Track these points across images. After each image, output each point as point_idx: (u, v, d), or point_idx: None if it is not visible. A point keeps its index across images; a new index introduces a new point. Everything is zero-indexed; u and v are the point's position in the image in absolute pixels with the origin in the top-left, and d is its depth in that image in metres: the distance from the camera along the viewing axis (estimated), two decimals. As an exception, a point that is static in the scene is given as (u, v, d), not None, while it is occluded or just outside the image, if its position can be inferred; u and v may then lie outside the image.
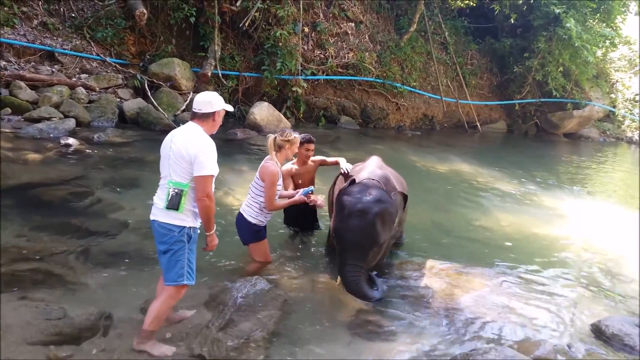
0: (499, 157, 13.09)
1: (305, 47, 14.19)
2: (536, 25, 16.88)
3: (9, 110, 8.78)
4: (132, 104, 10.32)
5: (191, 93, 11.49)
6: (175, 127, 3.69)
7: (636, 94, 21.69)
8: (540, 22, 16.71)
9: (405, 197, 4.50)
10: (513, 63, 17.88)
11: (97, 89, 10.43)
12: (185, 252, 3.25)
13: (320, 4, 15.03)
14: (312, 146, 4.94)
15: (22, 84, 9.22)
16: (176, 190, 3.17)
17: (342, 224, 4.16)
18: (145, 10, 11.15)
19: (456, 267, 5.18)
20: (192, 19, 11.86)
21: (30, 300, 3.66)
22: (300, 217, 5.29)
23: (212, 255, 3.58)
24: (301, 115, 13.54)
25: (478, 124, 17.63)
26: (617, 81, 21.84)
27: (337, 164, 5.15)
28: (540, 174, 11.14)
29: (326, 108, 14.46)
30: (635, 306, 4.86)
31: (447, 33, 17.44)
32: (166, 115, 10.34)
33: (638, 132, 21.21)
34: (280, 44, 12.78)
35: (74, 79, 10.26)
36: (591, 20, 17.34)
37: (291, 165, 4.92)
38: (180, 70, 11.50)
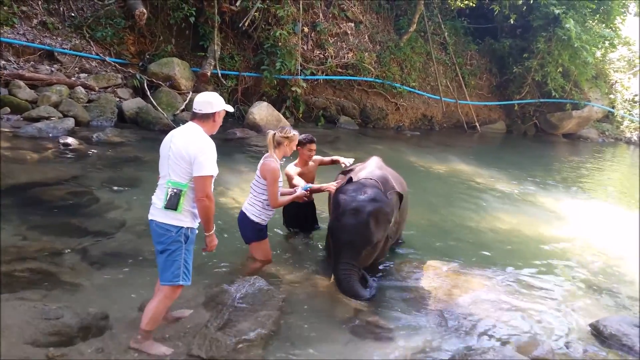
0: (498, 158, 13.10)
1: (305, 47, 14.19)
2: (535, 26, 16.90)
3: (8, 109, 8.78)
4: (132, 104, 10.32)
5: (190, 93, 11.49)
6: (175, 127, 3.70)
7: (635, 95, 21.71)
8: (539, 22, 16.72)
9: (400, 197, 4.49)
10: (512, 63, 17.90)
11: (97, 88, 10.43)
12: (182, 253, 3.25)
13: (320, 4, 15.03)
14: (314, 146, 4.99)
15: (22, 83, 9.22)
16: (175, 190, 3.17)
17: (336, 222, 4.18)
18: (144, 10, 11.15)
19: (455, 267, 5.19)
20: (192, 19, 11.86)
21: (28, 300, 3.65)
22: (300, 217, 5.30)
23: (211, 254, 3.59)
24: (300, 115, 13.55)
25: (477, 125, 17.64)
26: (616, 82, 21.86)
27: (335, 162, 5.20)
28: (539, 175, 11.15)
29: (325, 108, 14.46)
30: (634, 306, 4.87)
31: (446, 33, 17.45)
32: (165, 115, 10.34)
33: (637, 132, 21.23)
34: (280, 43, 12.78)
35: (73, 79, 10.26)
36: (590, 21, 17.36)
37: (295, 167, 4.93)
38: (179, 70, 11.50)
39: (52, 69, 10.24)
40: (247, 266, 4.64)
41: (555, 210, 8.18)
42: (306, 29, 14.27)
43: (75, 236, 4.92)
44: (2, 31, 9.85)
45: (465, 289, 4.74)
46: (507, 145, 16.85)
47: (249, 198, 4.49)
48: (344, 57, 14.88)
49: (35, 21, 10.63)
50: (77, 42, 10.92)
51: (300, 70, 13.43)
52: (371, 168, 4.76)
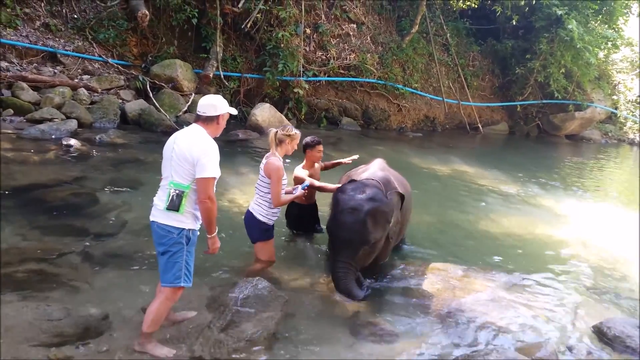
0: (500, 159, 13.08)
1: (307, 49, 14.20)
2: (538, 27, 16.88)
3: (11, 111, 8.80)
4: (134, 105, 10.34)
5: (193, 94, 11.51)
6: (177, 129, 3.71)
7: (638, 96, 21.67)
8: (542, 23, 16.70)
9: (402, 197, 4.49)
10: (515, 64, 17.88)
11: (99, 90, 10.46)
12: (184, 255, 3.25)
13: (322, 6, 15.04)
14: (322, 147, 5.02)
15: (25, 85, 9.24)
16: (177, 192, 3.17)
17: (334, 221, 4.19)
18: (147, 12, 11.17)
19: (458, 269, 5.17)
20: (194, 21, 11.89)
21: (31, 301, 3.66)
22: (303, 219, 5.30)
23: (214, 256, 3.59)
24: (302, 116, 13.55)
25: (480, 126, 17.62)
26: (619, 83, 21.82)
27: (337, 164, 5.23)
28: (542, 176, 11.13)
29: (328, 109, 14.46)
30: (637, 308, 4.85)
31: (448, 34, 17.45)
32: (168, 117, 10.35)
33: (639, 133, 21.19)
34: (282, 45, 12.79)
35: (76, 80, 10.28)
36: (593, 22, 17.33)
37: (303, 170, 4.93)
38: (182, 71, 11.52)
39: (55, 70, 10.27)
40: (250, 267, 4.64)
41: (558, 212, 8.16)
42: (308, 31, 14.28)
43: (78, 237, 4.93)
44: (5, 33, 9.88)
45: (468, 290, 4.73)
46: (509, 147, 16.82)
47: (255, 198, 4.50)
48: (346, 59, 14.88)
49: (38, 23, 10.66)
50: (79, 43, 10.95)
51: (303, 71, 13.43)
52: (374, 169, 4.76)
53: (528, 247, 6.33)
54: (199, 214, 3.29)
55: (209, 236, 3.34)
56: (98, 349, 3.27)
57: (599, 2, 16.77)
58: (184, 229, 3.23)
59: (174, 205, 3.16)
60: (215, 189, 3.26)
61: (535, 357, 3.66)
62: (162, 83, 11.25)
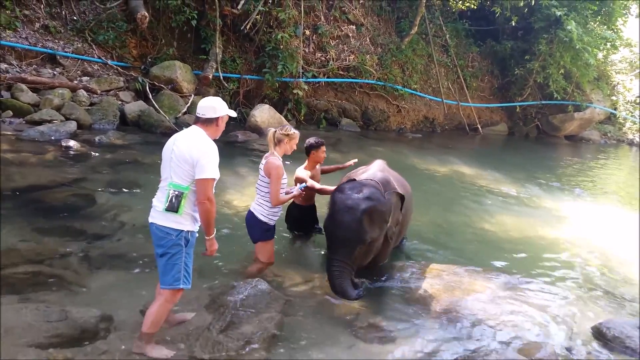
0: (500, 160, 13.10)
1: (306, 50, 14.21)
2: (537, 28, 16.90)
3: (10, 112, 8.80)
4: (134, 107, 10.34)
5: (192, 96, 11.52)
6: (177, 130, 3.71)
7: (637, 96, 21.69)
8: (541, 24, 16.72)
9: (402, 198, 4.49)
10: (514, 65, 17.90)
11: (99, 91, 10.46)
12: (183, 256, 3.25)
13: (322, 7, 15.06)
14: (325, 148, 5.04)
15: (24, 86, 9.24)
16: (176, 193, 3.18)
17: (330, 220, 4.20)
18: (146, 13, 11.17)
19: (457, 269, 5.18)
20: (194, 22, 11.89)
21: (31, 302, 3.66)
22: (303, 220, 5.29)
23: (213, 257, 3.59)
24: (302, 117, 13.56)
25: (479, 127, 17.63)
26: (618, 83, 21.84)
27: (337, 169, 5.24)
28: (542, 177, 11.14)
29: (327, 110, 14.48)
30: (637, 308, 4.85)
31: (448, 35, 17.47)
32: (167, 118, 10.36)
33: (639, 134, 21.20)
34: (282, 46, 12.80)
35: (76, 82, 10.28)
36: (592, 23, 17.36)
37: (305, 170, 4.94)
38: (181, 72, 11.52)
39: (55, 72, 10.27)
40: (249, 268, 4.64)
41: (557, 212, 8.17)
42: (308, 32, 14.29)
43: (77, 239, 4.93)
44: (4, 35, 9.89)
45: (467, 291, 4.72)
46: (509, 147, 16.84)
47: (256, 198, 4.51)
48: (346, 60, 14.89)
49: (37, 25, 10.66)
50: (79, 45, 10.95)
51: (302, 72, 13.44)
52: (373, 170, 4.77)
53: (527, 247, 6.33)
54: (197, 215, 3.29)
55: (207, 238, 3.34)
56: (97, 351, 3.26)
57: (598, 2, 16.80)
58: (182, 230, 3.23)
59: (173, 206, 3.17)
60: (214, 190, 3.26)
61: (535, 357, 3.66)
62: (162, 84, 11.26)
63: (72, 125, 8.80)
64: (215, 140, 3.33)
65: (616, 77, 21.91)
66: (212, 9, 12.00)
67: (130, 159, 7.93)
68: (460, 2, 17.90)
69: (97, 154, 7.88)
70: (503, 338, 4.03)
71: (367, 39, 15.83)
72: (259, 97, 13.09)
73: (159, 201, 3.26)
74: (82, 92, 9.98)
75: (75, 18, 11.29)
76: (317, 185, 4.68)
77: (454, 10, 18.33)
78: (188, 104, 11.20)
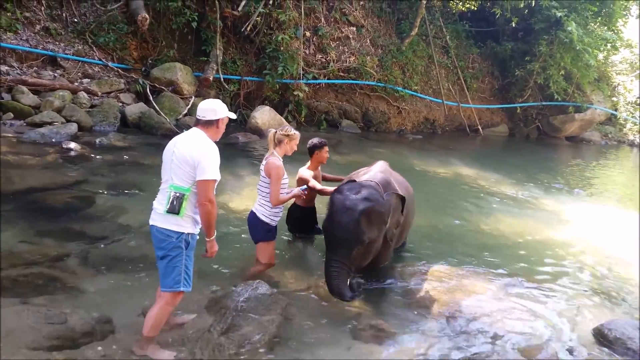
0: (500, 161, 13.09)
1: (307, 51, 14.22)
2: (537, 29, 16.91)
3: (11, 115, 8.81)
4: (134, 109, 10.35)
5: (193, 97, 11.52)
6: (177, 132, 3.71)
7: (638, 97, 21.67)
8: (541, 25, 16.73)
9: (402, 199, 4.49)
10: (514, 66, 17.90)
11: (99, 93, 10.47)
12: (183, 259, 3.25)
13: (322, 9, 15.07)
14: (327, 148, 5.06)
15: (25, 88, 9.25)
16: (177, 194, 3.17)
17: (329, 220, 4.20)
18: (147, 15, 11.18)
19: (458, 271, 5.18)
20: (194, 24, 11.90)
21: (32, 305, 3.66)
22: (305, 221, 5.29)
23: (214, 259, 3.59)
24: (302, 119, 13.56)
25: (479, 128, 17.63)
26: (618, 84, 21.83)
27: (339, 180, 5.23)
28: (542, 178, 11.13)
29: (327, 112, 14.48)
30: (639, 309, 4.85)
31: (448, 37, 17.48)
32: (168, 120, 10.36)
33: (639, 135, 21.19)
34: (282, 48, 12.82)
35: (76, 84, 10.30)
36: (592, 24, 17.36)
37: (308, 170, 4.94)
38: (182, 74, 11.53)
39: (55, 74, 10.28)
40: (250, 269, 4.64)
41: (558, 214, 8.16)
42: (308, 34, 14.31)
43: (78, 241, 4.92)
44: (5, 37, 9.90)
45: (468, 292, 4.72)
46: (509, 149, 16.83)
47: (258, 199, 4.52)
48: (346, 61, 14.90)
49: (38, 27, 10.68)
50: (79, 47, 10.96)
51: (302, 74, 13.45)
52: (374, 171, 4.76)
53: (528, 249, 6.32)
54: (198, 217, 3.29)
55: (207, 239, 3.34)
56: (98, 353, 3.26)
57: (598, 3, 16.81)
58: (183, 233, 3.22)
59: (174, 208, 3.16)
60: (214, 192, 3.26)
61: (536, 359, 3.65)
62: (162, 86, 11.27)
63: (72, 128, 8.80)
64: (215, 142, 3.33)
65: (617, 78, 21.90)
66: (213, 11, 12.03)
67: (130, 161, 7.94)
68: (461, 3, 17.92)
69: (97, 156, 7.88)
70: (504, 340, 4.02)
71: (368, 40, 15.84)
72: (260, 99, 13.11)
73: (160, 203, 3.26)
74: (82, 94, 9.99)
75: (75, 20, 11.31)
76: (318, 186, 4.68)
77: (454, 11, 18.36)
78: (189, 106, 11.19)
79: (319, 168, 5.13)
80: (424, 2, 15.93)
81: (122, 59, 11.54)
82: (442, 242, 6.22)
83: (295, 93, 13.00)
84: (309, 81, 13.70)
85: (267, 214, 4.44)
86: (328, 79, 14.50)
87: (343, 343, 3.76)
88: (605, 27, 17.81)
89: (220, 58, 12.29)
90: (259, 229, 4.49)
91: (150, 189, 6.22)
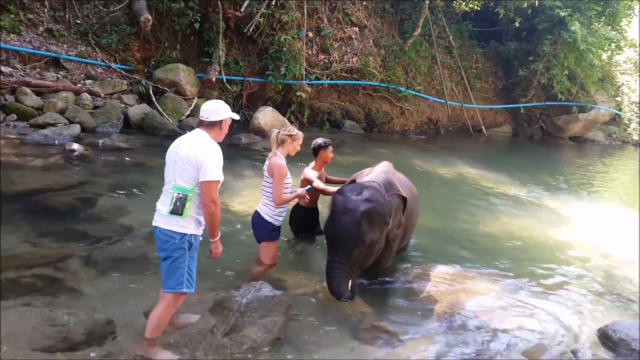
0: (504, 161, 13.06)
1: (310, 52, 14.22)
2: (541, 29, 16.86)
3: (14, 116, 8.84)
4: (137, 110, 10.37)
5: (196, 98, 11.54)
6: (180, 133, 3.71)
7: (641, 97, 21.59)
8: (545, 25, 16.68)
9: (404, 200, 4.47)
10: (518, 66, 17.84)
11: (102, 94, 10.49)
12: (186, 260, 3.24)
13: (325, 9, 15.07)
14: (332, 148, 5.09)
15: (28, 90, 9.28)
16: (180, 195, 3.17)
17: (330, 221, 4.19)
18: (150, 17, 11.20)
19: (462, 272, 5.16)
20: (197, 25, 11.92)
21: (35, 306, 3.67)
22: (308, 222, 5.29)
23: (217, 260, 3.59)
24: (305, 119, 13.56)
25: (483, 128, 17.59)
26: (622, 84, 21.73)
27: (342, 182, 5.23)
28: (546, 178, 11.09)
29: (330, 112, 14.48)
30: (642, 311, 4.82)
31: (451, 37, 17.45)
32: (171, 121, 10.38)
33: (644, 135, 21.13)
34: (285, 49, 12.82)
35: (79, 85, 10.32)
36: (596, 23, 17.31)
37: (313, 171, 4.95)
38: (184, 75, 11.54)
39: (58, 75, 10.30)
40: (252, 269, 4.64)
41: (562, 214, 8.13)
42: (311, 34, 14.31)
43: (81, 242, 4.93)
44: (8, 39, 9.93)
45: (472, 293, 4.71)
46: (513, 149, 16.79)
47: (262, 199, 4.54)
48: (349, 62, 14.89)
49: (41, 28, 10.71)
50: (82, 48, 10.99)
51: (305, 75, 13.46)
52: (377, 172, 4.75)
53: (532, 249, 6.30)
54: (201, 218, 3.29)
55: (211, 240, 3.34)
56: (102, 354, 3.26)
57: (602, 3, 16.74)
58: (186, 234, 3.22)
59: (177, 209, 3.16)
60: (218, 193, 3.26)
61: (540, 360, 3.64)
62: (165, 87, 11.28)
63: (75, 129, 8.83)
64: (218, 143, 3.33)
65: (621, 77, 21.80)
66: (216, 12, 12.04)
67: (133, 162, 7.95)
68: (464, 3, 17.87)
69: (100, 157, 7.90)
70: (508, 340, 4.01)
71: (370, 40, 15.83)
72: (262, 100, 13.11)
73: (163, 204, 3.26)
74: (85, 96, 10.02)
75: (78, 21, 11.34)
76: (322, 186, 4.68)
77: (457, 11, 18.33)
78: (191, 107, 11.21)
79: (323, 168, 5.15)
80: (427, 2, 15.92)
81: (124, 60, 11.56)
82: (445, 242, 6.20)
83: (298, 94, 13.01)
84: (311, 82, 13.71)
85: (271, 214, 4.45)
86: (331, 79, 14.50)
87: (346, 344, 3.75)
88: (609, 27, 17.74)
89: (223, 59, 12.30)
90: (263, 229, 4.50)
91: (153, 190, 6.23)
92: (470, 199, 8.53)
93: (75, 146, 7.95)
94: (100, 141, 8.63)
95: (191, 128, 3.46)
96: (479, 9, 18.05)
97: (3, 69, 9.48)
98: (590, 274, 5.62)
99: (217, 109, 3.33)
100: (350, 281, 4.18)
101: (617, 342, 4.03)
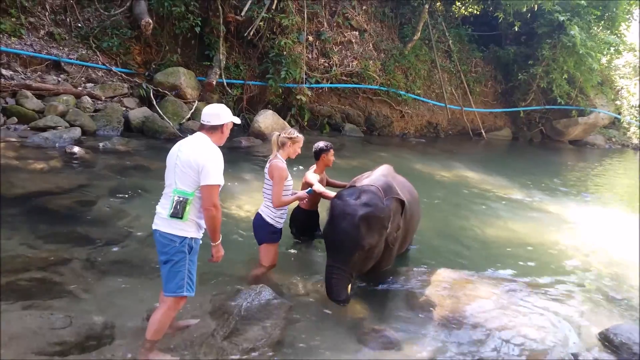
0: (504, 165, 13.06)
1: (310, 56, 14.24)
2: (540, 33, 16.91)
3: (15, 119, 8.84)
4: (138, 113, 10.38)
5: (196, 102, 11.55)
6: (181, 136, 3.72)
7: (641, 101, 21.64)
8: (544, 29, 16.72)
9: (402, 204, 4.47)
10: (517, 70, 17.88)
11: (103, 98, 10.49)
12: (186, 263, 3.24)
13: (325, 13, 15.10)
14: (333, 151, 5.10)
15: (29, 93, 9.29)
16: (181, 199, 3.17)
17: (328, 226, 4.20)
18: (150, 20, 11.23)
19: (463, 275, 5.15)
20: (198, 29, 11.95)
21: (35, 310, 3.66)
22: (309, 224, 5.29)
23: (217, 263, 3.58)
24: (305, 123, 13.57)
25: (483, 132, 17.61)
26: (622, 88, 21.79)
27: (342, 187, 5.24)
28: (546, 181, 11.10)
29: (330, 116, 14.50)
30: (644, 314, 4.82)
31: (451, 41, 17.49)
32: (171, 124, 10.38)
33: (644, 139, 21.15)
34: (285, 52, 12.84)
35: (80, 88, 10.33)
36: (595, 28, 17.35)
37: (314, 174, 4.96)
38: (185, 79, 11.56)
39: (59, 79, 10.32)
40: (252, 271, 4.64)
41: (562, 218, 8.13)
42: (311, 38, 14.33)
43: (82, 245, 4.93)
44: (10, 42, 9.95)
45: (473, 297, 4.70)
46: (513, 152, 16.80)
47: (264, 201, 4.55)
48: (349, 65, 14.92)
49: (42, 32, 10.73)
50: (83, 52, 11.01)
51: (305, 78, 13.47)
52: (376, 175, 4.75)
53: (533, 253, 6.29)
54: (202, 222, 3.29)
55: (213, 244, 3.34)
56: (103, 357, 3.25)
57: (601, 7, 16.78)
58: (186, 237, 3.22)
59: (178, 213, 3.16)
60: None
61: (541, 364, 3.63)
62: (166, 91, 11.29)
63: (76, 132, 8.84)
64: (219, 147, 3.33)
65: (620, 81, 21.86)
66: (216, 16, 12.06)
67: (134, 165, 7.95)
68: (463, 7, 17.91)
69: (101, 160, 7.90)
70: (509, 344, 4.00)
71: (370, 44, 15.86)
72: (263, 103, 13.12)
73: (163, 208, 3.26)
74: (86, 99, 10.03)
75: (79, 25, 11.35)
76: (322, 189, 4.68)
77: (456, 15, 18.37)
78: (192, 110, 11.22)
79: (325, 172, 5.16)
80: (427, 6, 15.97)
81: (125, 64, 11.57)
82: (446, 246, 6.20)
83: (298, 97, 13.02)
84: (311, 85, 13.72)
85: (273, 216, 4.46)
86: (331, 83, 14.52)
87: (347, 348, 3.75)
88: (608, 31, 17.79)
89: (224, 62, 12.32)
90: (264, 231, 4.51)
91: (153, 193, 6.23)
92: (471, 202, 8.54)
93: (76, 149, 7.96)
94: (101, 144, 8.63)
95: (192, 131, 3.46)
96: (478, 13, 18.10)
97: (4, 72, 9.49)
98: (591, 278, 5.62)
99: (218, 113, 3.34)
100: (349, 286, 4.18)
101: (618, 345, 4.03)
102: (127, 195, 6.53)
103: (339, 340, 3.84)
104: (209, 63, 12.40)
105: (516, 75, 17.82)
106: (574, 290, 5.23)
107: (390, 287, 4.78)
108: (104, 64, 11.15)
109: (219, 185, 3.21)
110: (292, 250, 5.36)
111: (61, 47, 10.80)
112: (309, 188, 4.61)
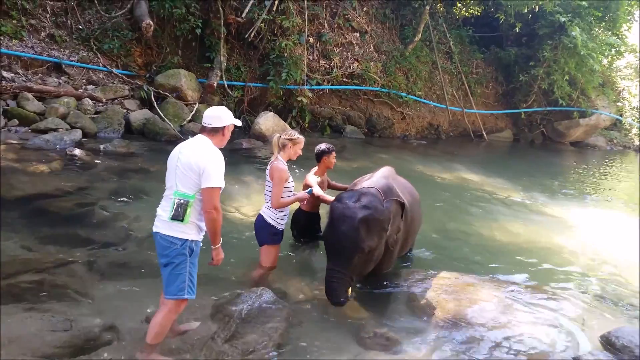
0: (505, 166, 13.05)
1: (311, 57, 14.25)
2: (541, 34, 16.91)
3: (16, 121, 8.85)
4: (139, 115, 10.38)
5: (197, 104, 11.55)
6: (182, 138, 3.71)
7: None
8: (545, 30, 16.72)
9: (402, 206, 4.45)
10: (518, 72, 17.90)
11: (104, 100, 10.50)
12: (187, 266, 3.23)
13: (325, 15, 15.12)
14: (335, 154, 5.11)
15: (30, 95, 9.29)
16: (182, 201, 3.16)
17: (329, 228, 4.18)
18: (151, 22, 11.23)
19: (464, 278, 5.13)
20: (198, 31, 11.97)
21: (36, 312, 3.65)
22: (310, 227, 5.28)
23: (218, 266, 3.58)
24: (306, 124, 13.58)
25: (484, 133, 17.60)
26: (623, 89, 21.78)
27: (343, 189, 5.23)
28: (548, 183, 11.09)
29: (331, 117, 14.50)
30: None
31: (452, 42, 17.49)
32: (172, 126, 10.38)
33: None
34: (286, 54, 12.85)
35: (81, 90, 10.33)
36: (596, 29, 17.36)
37: (315, 176, 4.96)
38: (186, 81, 11.57)
39: (60, 81, 10.32)
40: (252, 273, 4.63)
41: (564, 219, 8.11)
42: (312, 40, 14.34)
43: (82, 247, 4.92)
44: (11, 44, 9.96)
45: (474, 300, 4.68)
46: (514, 154, 16.79)
47: (265, 203, 4.55)
48: (350, 67, 14.93)
49: (43, 34, 10.74)
50: (84, 54, 11.02)
51: (306, 80, 13.48)
52: (377, 177, 4.74)
53: (535, 255, 6.28)
54: (202, 224, 3.28)
55: (213, 247, 3.33)
56: (102, 360, 3.25)
57: (602, 9, 16.79)
58: (187, 240, 3.21)
59: (179, 215, 3.15)
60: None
61: (543, 367, 3.62)
62: (167, 93, 11.30)
63: (77, 134, 8.83)
64: (220, 149, 3.33)
65: (621, 83, 21.86)
66: (217, 18, 12.07)
67: (135, 168, 7.94)
68: (464, 9, 17.92)
69: (102, 163, 7.90)
70: (510, 347, 3.98)
71: (371, 46, 15.87)
72: (264, 105, 13.13)
73: (164, 210, 3.25)
74: (87, 101, 10.03)
75: (80, 27, 11.36)
76: (320, 192, 4.66)
77: (457, 17, 18.37)
78: (193, 112, 11.23)
79: (326, 174, 5.15)
80: (428, 8, 15.98)
81: (126, 66, 11.58)
82: (447, 248, 6.19)
83: (299, 99, 13.03)
84: (312, 87, 13.73)
85: (274, 217, 4.46)
86: (332, 84, 14.53)
87: (348, 351, 3.74)
88: (610, 32, 17.79)
89: (224, 64, 12.33)
90: (265, 232, 4.51)
91: (154, 195, 6.22)
92: (472, 204, 8.53)
93: (77, 151, 7.96)
94: (102, 146, 8.63)
95: (192, 133, 3.46)
96: (479, 14, 18.10)
97: (5, 74, 9.50)
98: (593, 280, 5.61)
99: (219, 115, 3.33)
100: (350, 288, 4.17)
101: (620, 348, 4.00)
102: (127, 198, 6.53)
103: (340, 343, 3.83)
104: (209, 65, 12.41)
105: (517, 77, 17.83)
106: (576, 292, 5.22)
107: (391, 289, 4.77)
108: (104, 66, 11.16)
109: (220, 188, 3.21)
110: (294, 253, 5.36)
111: (62, 49, 10.81)
112: (309, 189, 4.61)
